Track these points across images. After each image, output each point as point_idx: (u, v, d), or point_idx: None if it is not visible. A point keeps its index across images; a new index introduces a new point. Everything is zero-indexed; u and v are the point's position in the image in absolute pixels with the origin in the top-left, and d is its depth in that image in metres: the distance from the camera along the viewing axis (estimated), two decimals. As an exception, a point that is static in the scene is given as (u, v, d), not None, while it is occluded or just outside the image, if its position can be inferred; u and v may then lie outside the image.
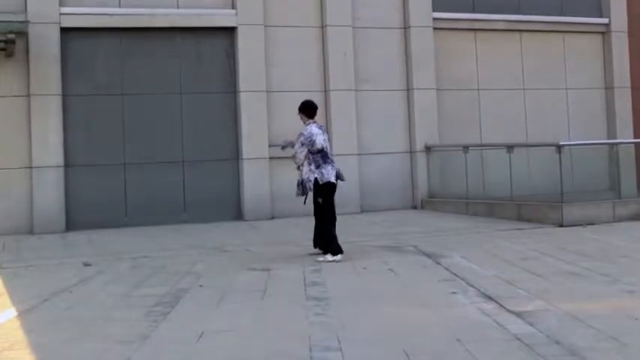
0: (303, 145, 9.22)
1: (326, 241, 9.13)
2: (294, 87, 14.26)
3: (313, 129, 9.21)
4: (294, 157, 9.38)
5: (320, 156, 9.14)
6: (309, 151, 9.12)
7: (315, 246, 9.36)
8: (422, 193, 15.22)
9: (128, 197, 13.76)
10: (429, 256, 9.09)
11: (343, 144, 14.60)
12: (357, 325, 5.66)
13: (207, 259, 9.53)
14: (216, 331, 5.67)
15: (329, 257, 8.88)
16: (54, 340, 5.52)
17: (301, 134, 9.29)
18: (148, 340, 5.44)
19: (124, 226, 13.35)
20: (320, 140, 9.13)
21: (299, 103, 9.64)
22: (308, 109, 9.48)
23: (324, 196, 9.14)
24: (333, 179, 9.18)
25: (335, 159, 9.44)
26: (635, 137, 16.77)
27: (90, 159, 13.63)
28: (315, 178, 9.08)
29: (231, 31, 14.46)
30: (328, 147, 9.32)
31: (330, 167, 9.17)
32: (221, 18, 14.45)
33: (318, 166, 9.11)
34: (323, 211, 9.22)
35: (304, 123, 9.41)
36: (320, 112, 14.43)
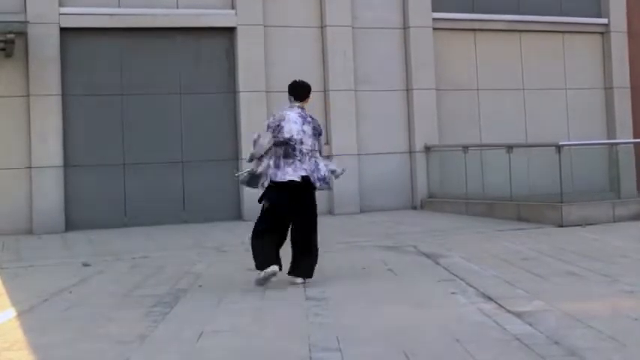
0: (269, 127, 7.28)
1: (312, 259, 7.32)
2: (294, 87, 14.26)
3: (288, 112, 7.35)
4: (253, 146, 7.33)
5: (282, 150, 7.18)
6: (274, 142, 7.21)
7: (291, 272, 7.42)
8: (421, 193, 15.22)
9: (128, 197, 13.77)
10: (428, 256, 9.08)
11: (343, 144, 14.64)
12: (356, 325, 5.66)
13: (206, 259, 9.53)
14: (216, 331, 5.67)
15: (261, 273, 7.14)
16: (53, 340, 5.52)
17: (272, 115, 7.45)
18: (148, 340, 5.44)
19: (123, 226, 13.35)
20: (290, 129, 7.20)
21: None
22: (290, 89, 7.49)
23: (270, 199, 7.23)
24: (281, 177, 7.17)
25: (311, 161, 7.30)
26: (635, 137, 16.77)
27: (90, 159, 13.63)
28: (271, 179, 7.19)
29: (230, 31, 14.47)
30: (304, 143, 7.26)
31: (290, 169, 7.19)
32: (221, 18, 14.45)
33: (276, 165, 7.20)
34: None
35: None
36: (320, 113, 14.64)
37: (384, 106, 15.28)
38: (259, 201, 7.36)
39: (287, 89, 7.54)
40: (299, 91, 7.49)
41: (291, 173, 7.17)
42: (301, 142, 7.23)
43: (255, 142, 7.31)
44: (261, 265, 7.16)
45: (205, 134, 14.24)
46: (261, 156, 7.27)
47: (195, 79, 14.33)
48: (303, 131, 7.26)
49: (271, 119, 7.37)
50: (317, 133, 7.42)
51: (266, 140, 7.20)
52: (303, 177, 7.20)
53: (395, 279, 7.74)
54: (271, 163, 7.20)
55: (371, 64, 15.22)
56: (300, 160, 7.20)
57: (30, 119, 13.15)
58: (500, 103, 16.34)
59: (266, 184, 7.25)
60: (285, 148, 7.19)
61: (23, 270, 9.17)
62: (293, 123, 7.25)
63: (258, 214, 7.43)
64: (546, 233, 11.10)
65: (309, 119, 7.41)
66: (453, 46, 16.04)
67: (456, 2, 16.09)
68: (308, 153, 7.27)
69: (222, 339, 5.43)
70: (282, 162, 7.18)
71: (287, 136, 7.18)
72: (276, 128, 7.21)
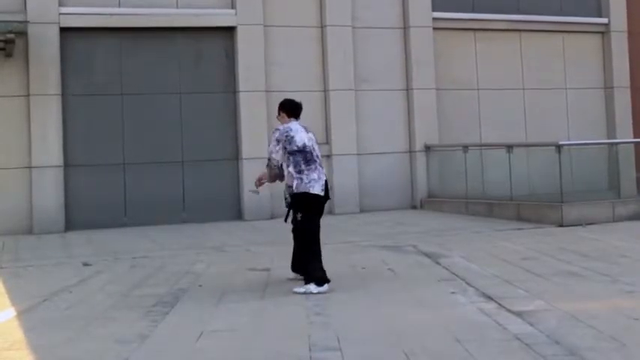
0: (279, 142, 7.33)
1: (307, 266, 7.22)
2: (294, 87, 14.21)
3: (292, 125, 7.44)
4: (268, 164, 7.53)
5: (301, 157, 7.28)
6: (287, 152, 7.29)
7: (294, 270, 7.62)
8: (421, 192, 15.23)
9: (127, 197, 13.76)
10: (428, 255, 9.08)
11: (343, 144, 14.65)
12: (356, 325, 5.66)
13: (206, 258, 9.52)
14: (216, 330, 5.67)
15: (312, 288, 6.99)
16: (53, 340, 5.52)
17: (276, 129, 7.47)
18: (148, 339, 5.44)
19: (123, 226, 13.34)
20: (301, 137, 7.33)
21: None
22: (292, 108, 7.60)
23: (303, 210, 7.27)
24: (316, 190, 7.24)
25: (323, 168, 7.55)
26: (635, 137, 16.77)
27: (89, 159, 13.63)
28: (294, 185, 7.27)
29: (230, 31, 14.47)
30: (315, 149, 7.43)
31: (315, 175, 7.26)
32: (220, 18, 14.45)
33: (299, 171, 7.26)
34: (304, 230, 7.31)
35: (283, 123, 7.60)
36: (320, 112, 14.69)
37: (384, 106, 15.28)
38: (294, 211, 7.33)
39: (282, 107, 7.64)
40: (297, 110, 7.61)
41: (317, 179, 7.27)
42: (313, 149, 7.41)
43: (270, 161, 7.46)
44: (323, 278, 7.10)
45: (205, 134, 14.24)
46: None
47: (195, 79, 14.33)
48: (310, 139, 7.45)
49: (277, 134, 7.38)
50: (316, 142, 7.63)
51: (279, 155, 7.36)
52: (325, 190, 7.35)
53: (395, 279, 7.73)
54: (292, 170, 7.29)
55: (371, 63, 15.23)
56: (320, 165, 7.41)
57: (30, 119, 13.15)
58: (501, 102, 16.34)
59: (288, 193, 7.38)
60: (305, 155, 7.31)
61: (23, 270, 9.17)
62: (300, 132, 7.38)
63: (305, 230, 7.29)
64: (546, 233, 11.10)
65: (308, 130, 7.54)
66: (453, 45, 16.04)
67: (456, 2, 16.09)
68: (320, 159, 7.48)
69: (222, 339, 5.43)
70: (304, 168, 7.28)
71: (300, 144, 7.30)
72: (287, 139, 7.31)
